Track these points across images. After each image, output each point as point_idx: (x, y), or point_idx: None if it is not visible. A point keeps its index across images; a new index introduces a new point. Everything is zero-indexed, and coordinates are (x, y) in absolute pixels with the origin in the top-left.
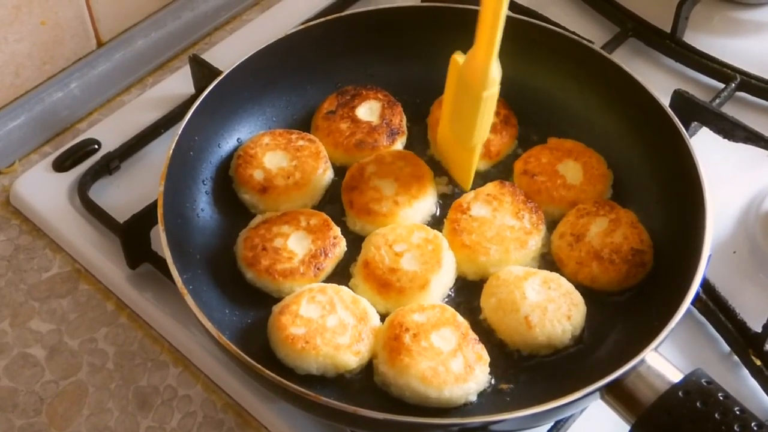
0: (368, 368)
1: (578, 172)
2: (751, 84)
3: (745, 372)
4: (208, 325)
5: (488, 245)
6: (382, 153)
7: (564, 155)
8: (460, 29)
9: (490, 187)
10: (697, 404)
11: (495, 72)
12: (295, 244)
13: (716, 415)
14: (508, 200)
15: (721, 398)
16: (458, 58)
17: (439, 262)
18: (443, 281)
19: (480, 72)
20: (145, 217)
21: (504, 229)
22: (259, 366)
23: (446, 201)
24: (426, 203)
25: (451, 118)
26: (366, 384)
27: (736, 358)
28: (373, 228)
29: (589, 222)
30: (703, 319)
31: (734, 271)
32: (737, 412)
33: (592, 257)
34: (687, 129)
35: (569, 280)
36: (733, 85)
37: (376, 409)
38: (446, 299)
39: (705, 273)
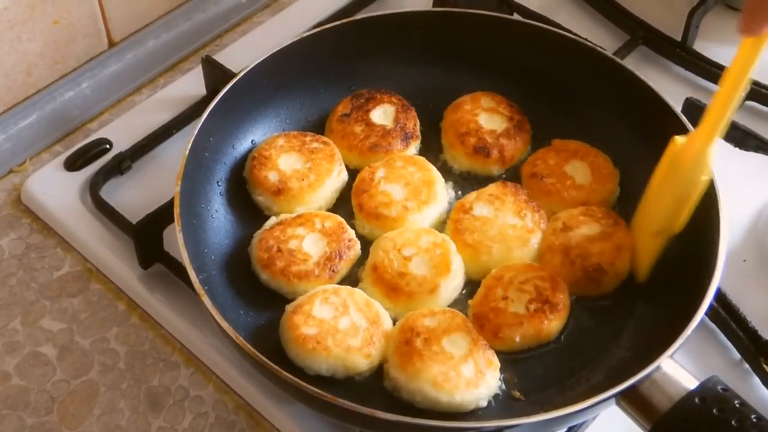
0: (378, 371)
1: (586, 171)
2: (761, 93)
3: (756, 380)
4: (225, 325)
5: (490, 244)
6: (393, 157)
7: (570, 156)
8: (473, 34)
9: (493, 188)
10: (714, 411)
11: (712, 157)
12: (310, 246)
13: (733, 422)
14: (510, 200)
15: (737, 405)
16: (679, 139)
17: (448, 266)
18: (452, 285)
19: (699, 155)
20: (159, 218)
21: (506, 228)
22: (277, 368)
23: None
24: (435, 209)
25: (654, 202)
26: (375, 386)
27: (746, 366)
28: (382, 232)
29: (586, 222)
30: (713, 326)
31: (745, 279)
32: (754, 420)
33: (560, 249)
34: None
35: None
36: (744, 94)
37: (386, 411)
38: (455, 303)
39: None
